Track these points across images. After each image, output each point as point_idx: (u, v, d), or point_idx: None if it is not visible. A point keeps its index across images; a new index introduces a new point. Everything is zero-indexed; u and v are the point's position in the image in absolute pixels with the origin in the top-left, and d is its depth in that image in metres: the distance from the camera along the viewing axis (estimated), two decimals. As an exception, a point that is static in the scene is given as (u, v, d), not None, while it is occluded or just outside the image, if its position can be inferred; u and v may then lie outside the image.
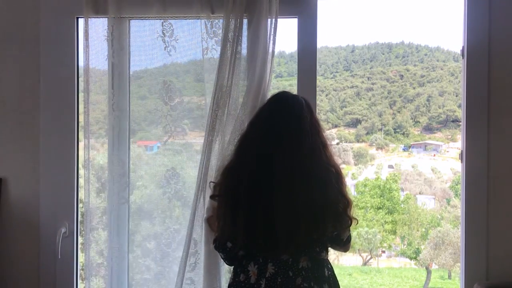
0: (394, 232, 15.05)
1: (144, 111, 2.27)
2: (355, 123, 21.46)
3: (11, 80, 2.31)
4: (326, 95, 22.60)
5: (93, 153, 2.21)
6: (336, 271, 1.81)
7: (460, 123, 2.33)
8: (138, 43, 2.22)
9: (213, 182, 1.88)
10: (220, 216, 1.75)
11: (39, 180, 2.28)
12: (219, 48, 2.09)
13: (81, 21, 2.23)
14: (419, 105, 21.38)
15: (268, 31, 2.05)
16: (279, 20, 2.06)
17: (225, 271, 2.05)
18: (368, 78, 22.88)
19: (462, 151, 2.22)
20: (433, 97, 21.16)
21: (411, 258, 14.50)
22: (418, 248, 14.28)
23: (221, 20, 2.12)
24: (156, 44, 2.20)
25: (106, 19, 2.17)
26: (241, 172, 1.68)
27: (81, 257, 2.31)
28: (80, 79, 2.28)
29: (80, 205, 2.32)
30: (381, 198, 15.40)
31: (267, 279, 1.67)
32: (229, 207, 1.70)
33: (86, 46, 2.16)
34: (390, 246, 15.23)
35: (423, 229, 14.70)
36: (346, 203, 1.68)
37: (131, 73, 2.27)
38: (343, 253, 1.82)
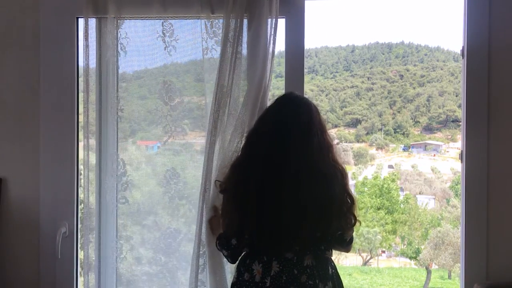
0: (394, 232, 15.06)
1: (144, 111, 2.27)
2: (355, 123, 21.48)
3: (11, 80, 2.30)
4: (326, 95, 22.61)
5: (92, 153, 2.21)
6: (336, 271, 1.82)
7: (460, 123, 2.32)
8: (138, 43, 2.21)
9: (218, 180, 1.89)
10: (227, 212, 1.76)
11: (39, 180, 2.27)
12: (219, 48, 2.09)
13: (81, 21, 2.23)
14: (419, 105, 21.40)
15: (268, 31, 2.05)
16: (279, 20, 2.06)
17: (227, 272, 2.06)
18: (368, 78, 22.90)
19: (462, 151, 2.22)
20: (433, 97, 21.18)
21: (411, 258, 14.52)
22: (418, 248, 14.29)
23: (221, 20, 2.12)
24: (156, 44, 2.20)
25: (102, 19, 2.17)
26: (250, 168, 1.69)
27: (80, 254, 2.31)
28: (80, 79, 2.28)
29: (80, 206, 2.32)
30: (381, 198, 15.40)
31: (272, 278, 1.68)
32: (237, 202, 1.71)
33: (86, 46, 2.15)
34: (390, 246, 15.24)
35: (423, 229, 14.71)
36: (351, 201, 1.70)
37: (131, 73, 2.27)
38: (343, 253, 1.83)
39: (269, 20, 2.05)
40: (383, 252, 15.58)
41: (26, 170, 2.29)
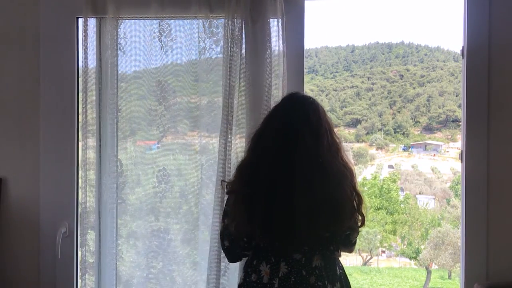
0: (394, 232, 15.05)
1: (143, 111, 2.27)
2: (355, 123, 21.47)
3: (11, 80, 2.30)
4: (326, 95, 22.60)
5: (90, 153, 2.21)
6: (336, 272, 1.82)
7: (460, 123, 2.32)
8: (136, 43, 2.21)
9: (224, 181, 1.88)
10: (235, 213, 1.73)
11: (39, 180, 2.27)
12: (216, 48, 2.10)
13: (81, 21, 2.23)
14: (419, 105, 21.39)
15: (273, 31, 2.05)
16: (279, 20, 2.06)
17: (228, 273, 2.06)
18: (368, 78, 22.89)
19: (462, 151, 2.22)
20: (433, 97, 21.17)
21: (411, 258, 14.50)
22: (418, 248, 14.28)
23: (219, 20, 2.13)
24: (153, 44, 2.20)
25: (101, 19, 2.17)
26: (259, 168, 1.68)
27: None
28: (80, 79, 2.27)
29: (80, 205, 2.32)
30: (380, 198, 15.39)
31: (280, 279, 1.67)
32: (246, 203, 1.68)
33: (85, 46, 2.15)
34: (390, 246, 15.24)
35: (423, 229, 14.71)
36: (359, 199, 1.70)
37: (130, 73, 2.27)
38: (343, 253, 1.82)
39: (274, 20, 2.06)
40: (383, 252, 15.58)
41: (26, 170, 2.29)
